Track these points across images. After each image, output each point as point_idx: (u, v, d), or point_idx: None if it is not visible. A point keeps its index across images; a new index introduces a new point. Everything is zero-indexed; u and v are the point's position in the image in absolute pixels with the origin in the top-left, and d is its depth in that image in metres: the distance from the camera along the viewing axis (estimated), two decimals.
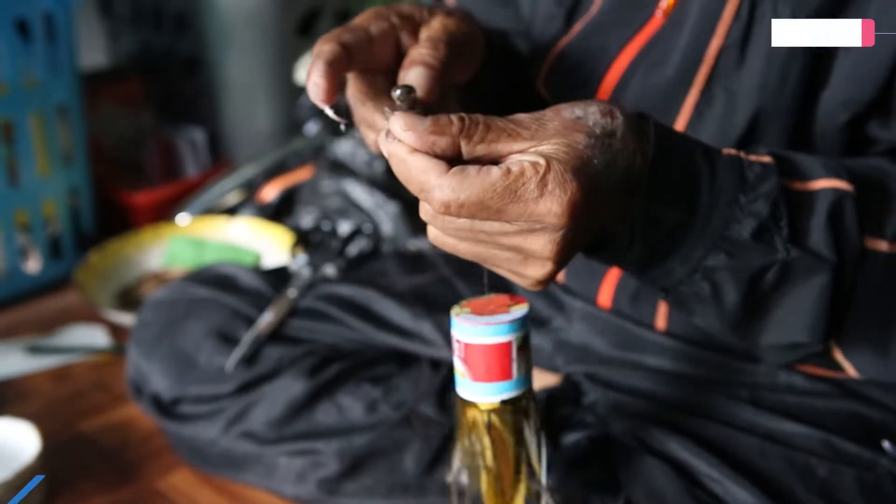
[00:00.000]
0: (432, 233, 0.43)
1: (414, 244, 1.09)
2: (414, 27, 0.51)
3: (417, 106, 0.43)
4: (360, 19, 0.50)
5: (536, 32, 0.67)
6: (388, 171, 0.50)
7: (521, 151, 0.40)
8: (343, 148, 1.22)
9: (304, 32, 1.38)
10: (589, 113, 0.43)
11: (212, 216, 1.26)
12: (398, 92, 0.43)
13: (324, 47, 0.46)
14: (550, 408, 0.66)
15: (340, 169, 1.21)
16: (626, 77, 0.60)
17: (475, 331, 0.45)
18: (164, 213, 1.29)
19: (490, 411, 0.46)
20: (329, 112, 0.44)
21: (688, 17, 0.57)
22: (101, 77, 1.39)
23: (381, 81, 0.49)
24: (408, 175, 0.40)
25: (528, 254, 0.41)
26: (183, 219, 1.26)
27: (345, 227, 1.17)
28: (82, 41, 1.23)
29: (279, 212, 1.27)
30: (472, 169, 0.39)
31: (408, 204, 1.15)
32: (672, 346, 0.64)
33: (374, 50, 0.49)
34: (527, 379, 0.46)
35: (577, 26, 0.64)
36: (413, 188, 0.40)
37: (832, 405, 0.61)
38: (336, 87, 0.45)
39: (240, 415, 0.75)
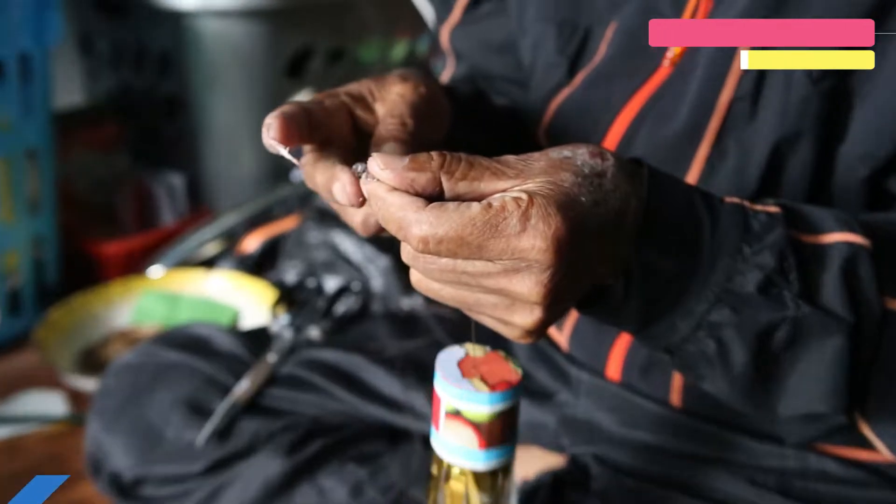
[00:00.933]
0: (415, 276, 0.44)
1: (406, 303, 1.08)
2: (366, 105, 0.52)
3: None
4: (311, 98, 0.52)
5: (537, 81, 0.68)
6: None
7: (504, 190, 0.41)
8: None
9: (294, 74, 1.39)
10: (577, 154, 0.44)
11: (188, 269, 1.25)
12: (359, 168, 0.44)
13: (282, 107, 0.48)
14: (556, 493, 0.64)
15: (328, 219, 1.20)
16: (632, 129, 0.60)
17: (437, 372, 0.47)
18: (136, 264, 1.27)
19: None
20: (283, 152, 0.46)
21: (696, 66, 0.57)
22: (75, 118, 1.39)
23: (340, 153, 0.49)
24: (386, 214, 0.41)
25: (515, 297, 0.41)
26: (156, 271, 1.24)
27: (332, 284, 1.16)
28: (59, 80, 1.23)
29: (261, 265, 1.26)
30: (451, 204, 0.40)
31: (400, 258, 1.17)
32: (689, 425, 0.62)
33: (331, 123, 0.50)
34: (451, 449, 0.46)
35: (581, 76, 0.64)
36: (392, 228, 0.41)
37: (869, 495, 0.59)
38: (290, 133, 0.46)
39: (210, 498, 0.72)
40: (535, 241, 0.40)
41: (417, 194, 0.41)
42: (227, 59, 1.33)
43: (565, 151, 0.44)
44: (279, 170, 1.35)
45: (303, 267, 1.19)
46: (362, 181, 0.43)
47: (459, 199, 0.41)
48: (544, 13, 0.66)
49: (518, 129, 0.69)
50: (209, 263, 1.26)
